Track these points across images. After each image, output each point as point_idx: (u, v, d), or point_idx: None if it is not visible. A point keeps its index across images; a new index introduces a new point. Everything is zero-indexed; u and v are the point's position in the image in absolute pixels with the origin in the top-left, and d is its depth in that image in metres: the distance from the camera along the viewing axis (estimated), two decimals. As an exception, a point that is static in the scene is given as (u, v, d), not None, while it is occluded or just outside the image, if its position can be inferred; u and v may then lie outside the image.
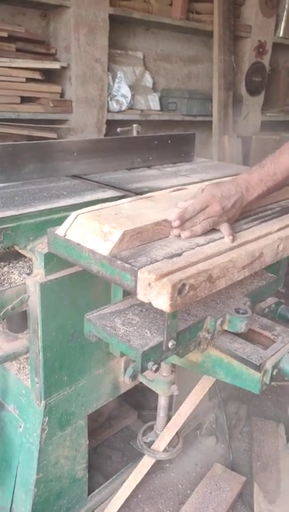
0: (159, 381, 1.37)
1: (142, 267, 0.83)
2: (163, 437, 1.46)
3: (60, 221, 1.16)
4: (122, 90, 3.25)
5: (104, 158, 1.60)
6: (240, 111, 3.81)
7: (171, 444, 1.49)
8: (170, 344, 0.95)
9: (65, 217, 1.18)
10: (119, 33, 3.28)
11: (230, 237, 0.99)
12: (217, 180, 1.24)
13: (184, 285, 0.80)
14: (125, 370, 1.47)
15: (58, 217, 1.18)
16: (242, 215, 1.14)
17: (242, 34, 3.66)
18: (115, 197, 1.33)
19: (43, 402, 1.25)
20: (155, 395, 1.42)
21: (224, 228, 1.03)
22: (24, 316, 1.20)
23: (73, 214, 1.03)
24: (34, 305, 1.15)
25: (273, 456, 1.82)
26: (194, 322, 1.03)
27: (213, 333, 1.07)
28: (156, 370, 0.95)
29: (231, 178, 1.11)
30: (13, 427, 1.37)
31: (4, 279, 1.18)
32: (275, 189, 1.15)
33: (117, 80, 3.23)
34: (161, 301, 0.79)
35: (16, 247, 1.13)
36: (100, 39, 2.91)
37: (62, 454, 1.36)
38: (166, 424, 1.48)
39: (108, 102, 3.16)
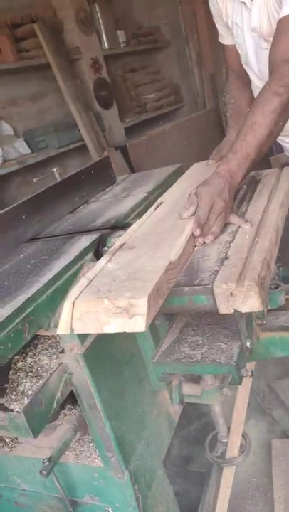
0: (208, 392, 1.34)
1: (212, 283, 0.82)
2: (233, 442, 1.45)
3: (67, 284, 1.09)
4: (-11, 147, 3.11)
5: (50, 210, 1.53)
6: (103, 126, 3.91)
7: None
8: (248, 344, 0.95)
9: (71, 278, 1.10)
10: None
11: (248, 224, 1.03)
12: (183, 182, 1.26)
13: (262, 279, 0.81)
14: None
15: (61, 283, 1.09)
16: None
17: (75, 57, 3.75)
18: (94, 241, 1.27)
19: (125, 472, 1.15)
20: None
21: (235, 219, 1.06)
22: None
23: (66, 304, 0.86)
24: (82, 379, 1.05)
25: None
26: (247, 314, 1.04)
27: (263, 317, 1.09)
28: (252, 374, 0.94)
29: (213, 172, 1.14)
30: (99, 517, 1.24)
31: (37, 370, 1.06)
32: (252, 168, 1.20)
33: (-20, 139, 3.08)
34: (251, 303, 0.79)
35: (43, 330, 1.02)
36: None
37: (159, 513, 1.27)
38: (228, 428, 1.47)
39: (-18, 163, 3.00)
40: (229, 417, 1.53)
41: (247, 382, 1.46)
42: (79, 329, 0.84)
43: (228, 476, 1.46)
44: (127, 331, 0.78)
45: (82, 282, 0.92)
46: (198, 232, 1.01)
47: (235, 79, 1.79)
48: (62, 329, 0.86)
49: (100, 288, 0.86)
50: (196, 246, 1.04)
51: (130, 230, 1.20)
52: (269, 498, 1.66)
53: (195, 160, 1.83)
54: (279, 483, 1.62)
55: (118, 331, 0.80)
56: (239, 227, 1.05)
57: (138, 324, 0.76)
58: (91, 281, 0.91)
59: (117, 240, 1.20)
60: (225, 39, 1.70)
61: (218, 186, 1.09)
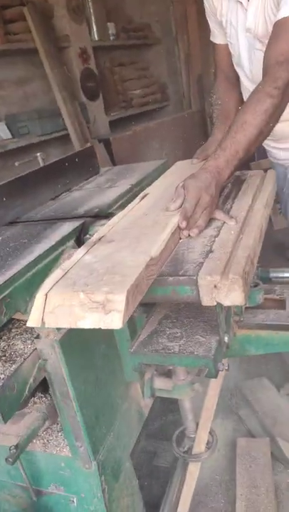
0: (180, 387, 1.35)
1: (196, 274, 0.82)
2: (200, 438, 1.46)
3: (46, 269, 1.07)
4: None
5: (31, 194, 1.49)
6: (88, 117, 3.87)
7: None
8: (226, 338, 0.96)
9: (52, 263, 1.09)
10: None
11: (233, 220, 1.03)
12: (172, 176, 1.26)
13: (246, 273, 0.81)
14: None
15: (41, 267, 1.07)
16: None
17: (63, 44, 3.70)
18: (76, 228, 1.25)
19: (93, 462, 1.14)
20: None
21: (220, 215, 1.07)
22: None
23: (39, 295, 0.81)
24: (56, 366, 1.03)
25: (275, 407, 1.96)
26: (226, 309, 1.05)
27: (241, 314, 1.10)
28: (228, 369, 0.95)
29: (200, 168, 1.14)
30: (63, 507, 1.22)
31: (11, 354, 1.03)
32: (240, 166, 1.21)
33: None
34: (234, 296, 0.79)
35: (18, 314, 1.00)
36: None
37: (124, 505, 1.26)
38: (196, 424, 1.48)
39: None
40: (197, 414, 1.54)
41: (218, 380, 1.47)
42: (51, 323, 0.79)
43: (193, 472, 1.47)
44: (103, 327, 0.75)
45: (56, 273, 0.87)
46: (184, 224, 1.01)
47: (224, 80, 1.79)
48: (33, 322, 0.81)
49: (76, 280, 0.82)
50: (180, 238, 1.04)
51: (110, 222, 1.16)
52: (231, 495, 1.69)
53: (178, 159, 1.83)
54: (242, 481, 1.65)
55: (93, 327, 0.76)
56: (224, 223, 1.06)
57: (114, 321, 0.73)
58: (66, 272, 0.87)
59: (99, 229, 1.19)
60: (217, 38, 1.70)
61: (205, 181, 1.09)
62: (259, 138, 1.17)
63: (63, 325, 0.78)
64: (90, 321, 0.75)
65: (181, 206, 1.07)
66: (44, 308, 0.79)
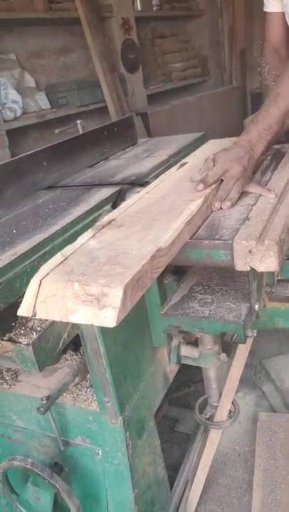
0: (206, 355, 1.37)
1: (232, 239, 0.83)
2: (223, 406, 1.49)
3: (84, 230, 1.11)
4: (10, 96, 3.06)
5: (69, 161, 1.53)
6: (126, 90, 3.85)
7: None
8: (256, 306, 0.97)
9: (89, 224, 1.12)
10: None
11: (272, 193, 1.03)
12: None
13: (282, 241, 0.82)
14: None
15: (79, 227, 1.11)
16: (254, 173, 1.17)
17: (106, 15, 3.66)
18: (114, 193, 1.28)
19: (119, 418, 1.19)
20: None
21: (255, 188, 1.07)
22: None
23: (33, 281, 0.73)
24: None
25: (299, 385, 1.96)
26: (258, 278, 1.06)
27: (273, 285, 1.11)
28: (255, 335, 0.96)
29: (233, 143, 1.14)
30: (88, 459, 1.29)
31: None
32: (275, 140, 1.19)
33: (2, 87, 3.03)
34: (269, 262, 0.80)
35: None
36: None
37: (146, 462, 1.32)
38: (220, 393, 1.51)
39: (1, 112, 2.97)
40: (221, 385, 1.57)
41: (244, 352, 1.49)
42: (42, 313, 0.71)
43: (214, 439, 1.51)
44: (95, 324, 0.67)
45: (55, 258, 0.79)
46: (200, 187, 1.02)
47: (273, 53, 1.74)
48: (24, 310, 0.73)
49: (74, 269, 0.74)
50: (212, 212, 1.03)
51: (123, 205, 1.06)
52: (249, 466, 1.72)
53: (216, 134, 1.81)
54: (261, 452, 1.68)
55: (85, 323, 0.69)
56: (260, 195, 1.05)
57: (108, 318, 0.65)
58: (67, 258, 0.79)
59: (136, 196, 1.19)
60: (270, 6, 1.64)
61: (236, 153, 1.08)
62: None
63: (54, 317, 0.71)
64: (82, 315, 0.67)
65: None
66: (37, 296, 0.71)
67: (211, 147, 1.56)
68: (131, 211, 1.00)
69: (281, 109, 1.13)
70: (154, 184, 1.19)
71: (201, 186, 1.04)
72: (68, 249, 0.82)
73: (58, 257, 0.79)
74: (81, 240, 0.87)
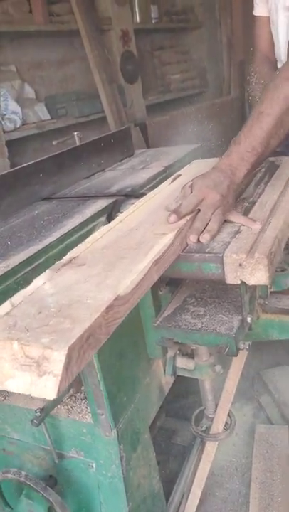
0: (202, 367, 1.37)
1: (222, 252, 0.83)
2: (219, 418, 1.48)
3: (78, 242, 1.11)
4: (10, 107, 3.10)
5: (66, 172, 1.54)
6: (125, 100, 3.88)
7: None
8: (249, 319, 0.97)
9: (85, 235, 1.12)
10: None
11: (257, 224, 0.94)
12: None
13: (272, 254, 0.82)
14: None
15: (74, 239, 1.11)
16: (236, 200, 1.09)
17: (105, 27, 3.70)
18: (109, 205, 1.29)
19: (113, 430, 1.19)
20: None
21: (238, 218, 0.99)
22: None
23: None
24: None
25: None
26: (251, 291, 1.06)
27: (266, 297, 1.11)
28: (249, 348, 0.96)
29: (212, 167, 1.07)
30: (82, 471, 1.28)
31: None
32: (260, 162, 1.11)
33: (2, 99, 3.07)
34: (259, 276, 0.81)
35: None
36: None
37: (141, 475, 1.31)
38: (216, 406, 1.51)
39: (1, 123, 2.99)
40: (217, 396, 1.57)
41: (239, 363, 1.49)
42: None
43: (209, 451, 1.51)
44: (34, 394, 0.57)
45: (3, 307, 0.69)
46: (172, 218, 0.93)
47: (263, 61, 1.72)
48: None
49: (18, 321, 0.63)
50: (187, 245, 0.94)
51: (90, 238, 0.95)
52: (246, 478, 1.71)
53: (214, 145, 1.82)
54: (258, 465, 1.67)
55: (22, 392, 0.58)
56: (253, 206, 1.04)
57: (48, 387, 0.54)
58: (15, 307, 0.68)
59: (130, 208, 1.17)
60: (258, 9, 1.62)
61: (215, 179, 1.00)
62: (279, 129, 1.06)
63: None
64: (19, 382, 0.57)
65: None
66: None
67: (194, 168, 1.46)
68: (97, 246, 0.89)
69: (264, 130, 1.04)
70: (130, 211, 1.07)
71: (173, 217, 0.93)
72: (19, 296, 0.71)
73: (6, 306, 0.68)
74: (36, 282, 0.76)
